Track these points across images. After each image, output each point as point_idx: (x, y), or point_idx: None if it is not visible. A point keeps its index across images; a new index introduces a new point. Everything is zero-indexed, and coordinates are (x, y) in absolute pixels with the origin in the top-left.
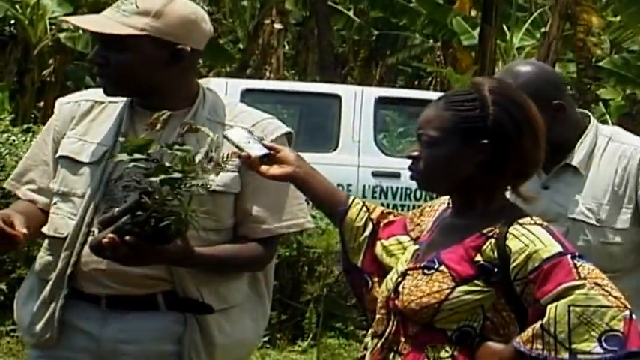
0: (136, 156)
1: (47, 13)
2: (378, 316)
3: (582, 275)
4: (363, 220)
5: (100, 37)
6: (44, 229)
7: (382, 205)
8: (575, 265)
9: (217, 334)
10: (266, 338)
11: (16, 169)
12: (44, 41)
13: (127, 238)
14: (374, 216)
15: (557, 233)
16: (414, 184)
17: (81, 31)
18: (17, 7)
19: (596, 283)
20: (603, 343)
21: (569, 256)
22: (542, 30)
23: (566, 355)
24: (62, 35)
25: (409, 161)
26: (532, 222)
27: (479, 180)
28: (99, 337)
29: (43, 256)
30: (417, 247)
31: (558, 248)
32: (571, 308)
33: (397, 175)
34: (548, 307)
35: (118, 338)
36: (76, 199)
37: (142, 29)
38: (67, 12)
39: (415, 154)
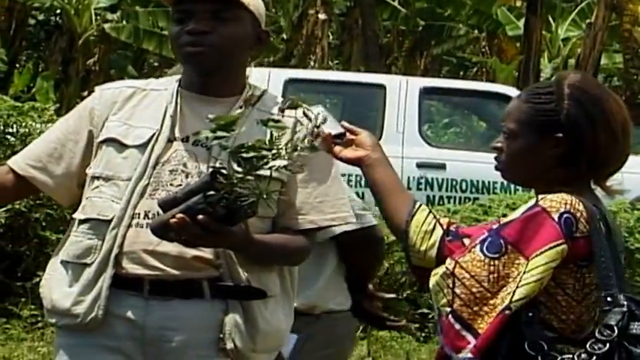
0: (219, 133)
1: (92, 4)
2: None
3: None
4: (432, 224)
5: (213, 4)
6: (79, 215)
7: (427, 197)
8: None
9: (260, 319)
10: None
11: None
12: (89, 31)
13: (200, 217)
14: (442, 221)
15: None
16: (459, 175)
17: (125, 22)
18: None
19: None
20: None
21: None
22: (588, 21)
23: None
24: (107, 25)
25: (455, 152)
26: None
27: (557, 172)
28: (143, 325)
29: (80, 240)
30: None
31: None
32: None
33: (442, 167)
34: None
35: (163, 325)
36: (121, 183)
37: (248, 3)
38: (112, 2)
39: (498, 145)
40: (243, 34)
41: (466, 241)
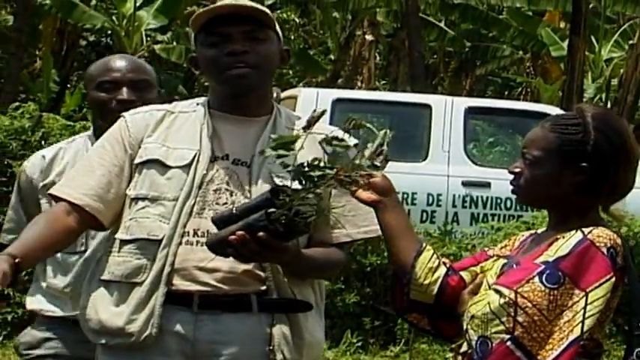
0: (280, 152)
1: (143, 25)
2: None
3: None
4: (437, 262)
5: (245, 26)
6: (124, 235)
7: (472, 214)
8: None
9: (305, 330)
10: (360, 344)
11: (65, 177)
12: (139, 52)
13: (260, 234)
14: (445, 260)
15: None
16: (504, 194)
17: (175, 43)
18: (114, 18)
19: None
20: None
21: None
22: (631, 42)
23: None
24: (157, 46)
25: (499, 171)
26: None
27: (575, 199)
28: (193, 339)
29: (129, 260)
30: (505, 261)
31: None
32: None
33: (487, 185)
34: None
35: (212, 339)
36: (167, 203)
37: (275, 23)
38: (162, 24)
39: (517, 170)
40: (274, 52)
41: (463, 273)
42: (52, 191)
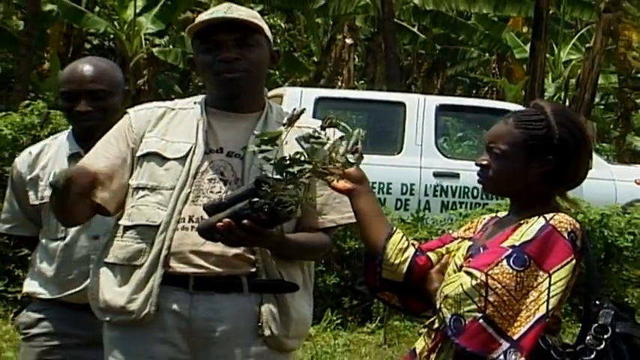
0: (264, 147)
1: (142, 29)
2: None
3: None
4: (406, 242)
5: (237, 34)
6: (126, 222)
7: (442, 202)
8: None
9: (292, 308)
10: (339, 321)
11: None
12: (139, 54)
13: (245, 222)
14: (413, 242)
15: None
16: (471, 184)
17: (172, 46)
18: (116, 23)
19: None
20: None
21: None
22: (587, 45)
23: None
24: (155, 49)
25: (467, 163)
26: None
27: (539, 187)
28: (189, 317)
29: (129, 245)
30: (470, 243)
31: None
32: None
33: (456, 176)
34: None
35: (207, 317)
36: (165, 191)
37: (264, 28)
38: (160, 28)
39: (485, 163)
40: (264, 56)
41: (430, 254)
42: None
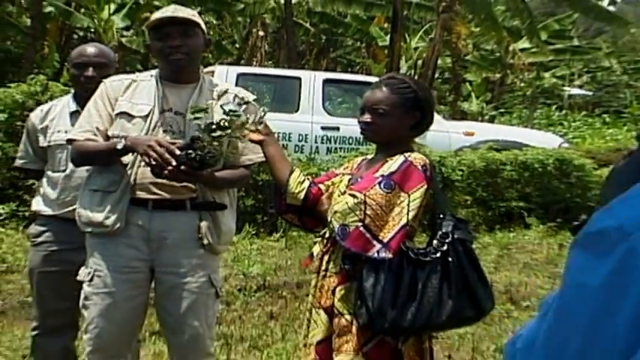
0: (196, 115)
1: (114, 25)
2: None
3: None
4: (303, 177)
5: (180, 27)
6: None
7: (327, 148)
8: None
9: (222, 223)
10: (254, 232)
11: (77, 124)
12: (112, 43)
13: (182, 167)
14: (308, 177)
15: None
16: (348, 134)
17: (135, 37)
18: (95, 21)
19: None
20: None
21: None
22: (430, 36)
23: None
24: (124, 39)
25: (345, 119)
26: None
27: (407, 134)
28: (149, 229)
29: (108, 176)
30: (349, 177)
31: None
32: None
33: (337, 129)
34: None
35: (161, 229)
36: None
37: (200, 23)
38: (127, 24)
39: (369, 120)
40: (200, 43)
41: (321, 186)
42: (68, 137)
